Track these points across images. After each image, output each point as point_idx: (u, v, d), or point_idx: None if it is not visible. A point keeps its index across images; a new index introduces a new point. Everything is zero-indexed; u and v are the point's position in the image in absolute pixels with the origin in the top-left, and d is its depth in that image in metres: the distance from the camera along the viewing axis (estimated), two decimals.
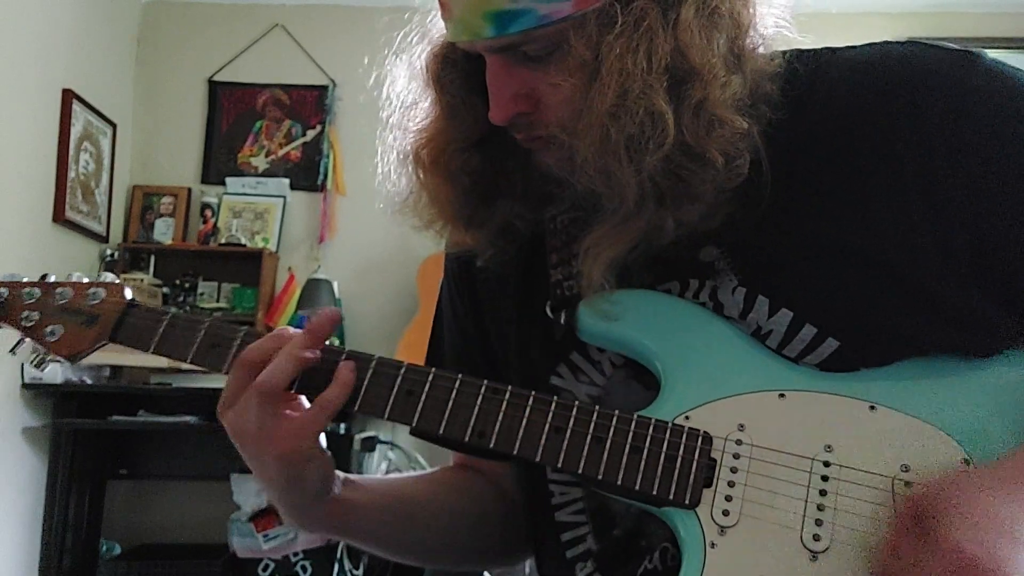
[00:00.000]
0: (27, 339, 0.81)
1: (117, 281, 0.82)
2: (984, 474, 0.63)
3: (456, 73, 0.78)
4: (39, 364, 0.81)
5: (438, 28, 0.80)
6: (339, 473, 0.79)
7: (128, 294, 0.81)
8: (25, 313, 0.80)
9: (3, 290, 0.81)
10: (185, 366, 2.84)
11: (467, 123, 0.78)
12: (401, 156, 0.82)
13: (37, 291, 0.81)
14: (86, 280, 0.83)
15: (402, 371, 0.74)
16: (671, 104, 0.66)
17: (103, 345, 0.80)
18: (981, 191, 0.68)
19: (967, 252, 0.69)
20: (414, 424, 0.73)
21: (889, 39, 0.76)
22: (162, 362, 3.04)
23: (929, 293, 0.69)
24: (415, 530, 0.86)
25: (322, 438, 0.76)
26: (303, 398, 0.76)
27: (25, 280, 0.83)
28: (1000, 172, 0.68)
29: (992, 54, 0.73)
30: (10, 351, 0.82)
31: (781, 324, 0.72)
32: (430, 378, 0.74)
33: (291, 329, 0.75)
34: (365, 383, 0.74)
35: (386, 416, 0.73)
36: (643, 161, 0.66)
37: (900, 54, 0.73)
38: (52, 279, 0.82)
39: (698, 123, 0.67)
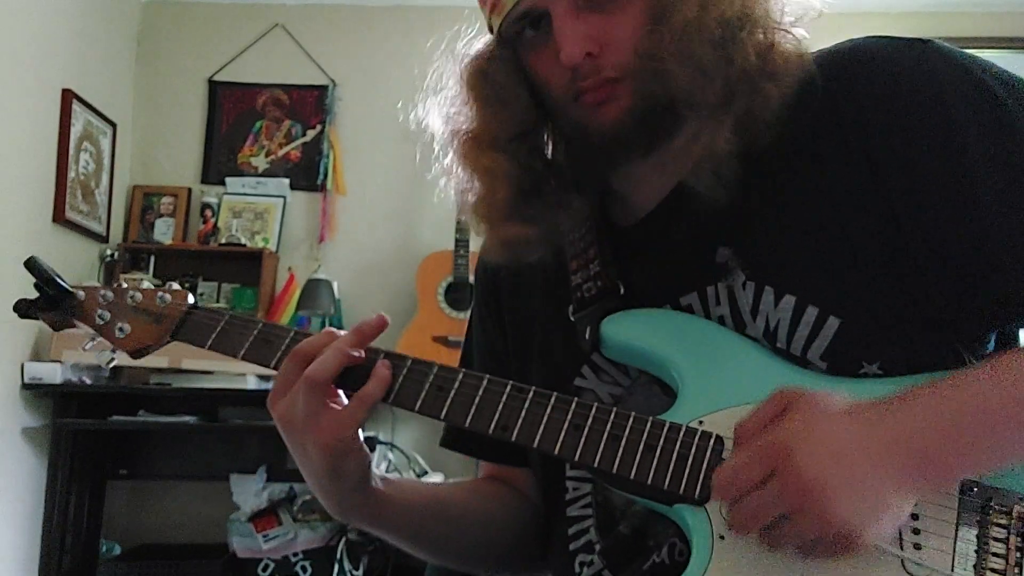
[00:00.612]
0: (99, 336, 0.89)
1: (181, 288, 0.92)
2: (860, 403, 0.67)
3: (503, 67, 0.82)
4: (108, 362, 0.90)
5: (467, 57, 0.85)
6: (377, 471, 0.84)
7: (191, 299, 0.90)
8: (99, 312, 0.89)
9: (81, 292, 0.90)
10: (185, 366, 2.86)
11: (515, 113, 0.82)
12: (459, 157, 0.86)
13: (110, 294, 0.90)
14: (154, 287, 0.92)
15: (434, 370, 0.80)
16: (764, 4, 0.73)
17: (167, 342, 0.88)
18: (914, 167, 0.71)
19: (910, 227, 0.71)
20: (442, 416, 0.77)
21: None
22: (162, 362, 3.04)
23: (913, 266, 0.72)
24: (445, 529, 0.91)
25: (360, 434, 0.80)
26: (342, 394, 0.81)
27: (100, 285, 0.93)
28: (930, 148, 0.71)
29: (992, 54, 0.74)
30: (83, 348, 0.91)
31: (786, 311, 0.75)
32: (460, 377, 0.79)
33: (338, 331, 0.81)
34: (400, 379, 0.80)
35: (417, 408, 0.78)
36: (753, 35, 0.72)
37: (849, 44, 0.77)
38: (124, 285, 0.91)
39: (781, 13, 0.74)
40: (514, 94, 0.82)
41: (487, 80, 0.83)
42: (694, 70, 0.72)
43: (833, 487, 0.62)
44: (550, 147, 0.87)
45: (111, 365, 0.91)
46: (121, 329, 0.88)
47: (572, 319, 0.85)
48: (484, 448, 0.94)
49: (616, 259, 0.84)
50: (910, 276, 0.72)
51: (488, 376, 0.78)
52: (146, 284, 0.92)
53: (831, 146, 0.74)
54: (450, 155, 0.86)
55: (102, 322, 0.89)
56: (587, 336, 0.82)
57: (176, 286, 0.92)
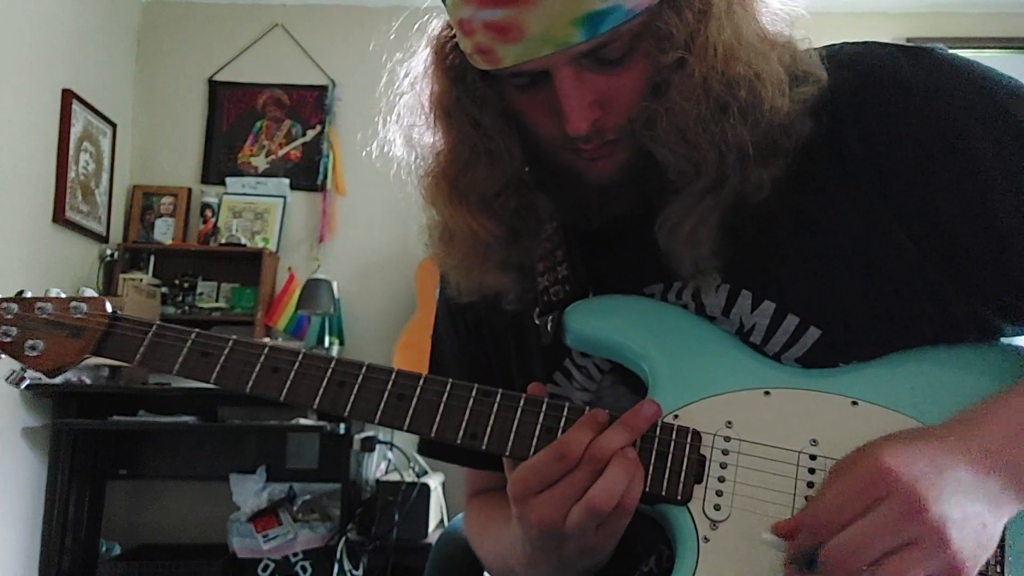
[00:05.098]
0: (4, 355, 0.79)
1: (97, 296, 0.81)
2: (919, 430, 0.66)
3: (493, 115, 0.77)
4: (17, 382, 0.79)
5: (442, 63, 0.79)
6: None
7: (109, 307, 0.80)
8: (3, 328, 0.79)
9: None
10: None
11: (509, 166, 0.78)
12: (439, 204, 0.81)
13: (15, 307, 0.80)
14: (64, 295, 0.82)
15: (393, 376, 0.75)
16: (773, 67, 0.69)
17: (86, 358, 0.79)
18: (925, 180, 0.70)
19: (926, 239, 0.71)
20: (405, 427, 0.73)
21: (887, 39, 0.78)
22: None
23: (902, 280, 0.72)
24: None
25: None
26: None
27: (2, 296, 0.81)
28: (940, 160, 0.70)
29: (992, 54, 0.74)
30: None
31: (764, 316, 0.74)
32: (421, 382, 0.74)
33: (602, 413, 0.71)
34: (356, 388, 0.74)
35: (377, 420, 0.74)
36: (757, 124, 0.68)
37: (849, 54, 0.75)
38: (29, 295, 0.81)
39: (790, 83, 0.70)
40: (506, 145, 0.77)
41: (477, 128, 0.77)
42: (685, 158, 0.70)
43: (949, 513, 0.57)
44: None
45: (22, 386, 0.80)
46: (32, 346, 0.78)
47: (536, 322, 0.81)
48: (463, 453, 0.87)
49: (584, 260, 0.82)
50: (909, 288, 0.72)
51: (451, 380, 0.74)
52: (54, 292, 0.82)
53: (830, 160, 0.73)
54: (427, 192, 0.81)
55: (8, 339, 0.78)
56: (549, 328, 0.79)
57: (91, 292, 0.81)
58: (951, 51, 0.74)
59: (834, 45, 0.77)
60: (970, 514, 0.59)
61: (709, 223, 0.71)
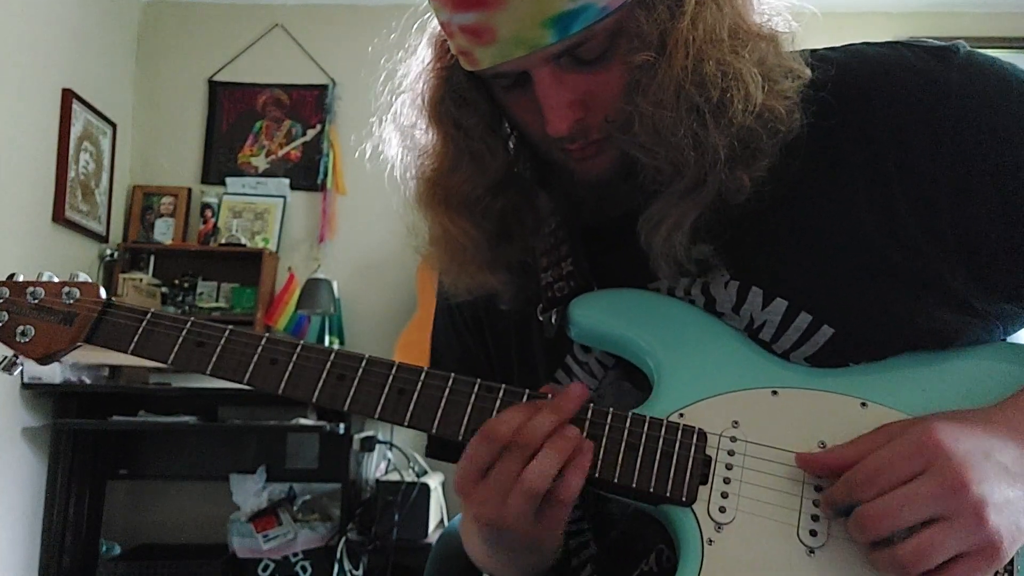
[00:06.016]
0: None
1: (91, 281, 0.79)
2: (972, 412, 0.67)
3: (476, 116, 0.77)
4: (8, 368, 0.77)
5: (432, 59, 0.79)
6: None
7: (103, 293, 0.78)
8: None
9: None
10: None
11: (491, 167, 0.77)
12: (423, 206, 0.81)
13: (7, 291, 0.78)
14: (57, 280, 0.79)
15: (394, 370, 0.73)
16: (746, 64, 0.67)
17: (78, 346, 0.77)
18: (960, 180, 0.70)
19: (952, 238, 0.70)
20: (405, 423, 0.72)
21: (888, 39, 0.77)
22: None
23: (917, 278, 0.71)
24: None
25: None
26: None
27: None
28: (977, 160, 0.69)
29: (992, 54, 0.73)
30: None
31: (775, 314, 0.73)
32: (422, 377, 0.73)
33: (543, 401, 0.70)
34: (356, 382, 0.73)
35: (377, 415, 0.72)
36: (731, 123, 0.67)
37: (877, 55, 0.74)
38: (21, 278, 0.79)
39: (768, 79, 0.68)
40: (488, 147, 0.77)
41: (462, 132, 0.77)
42: (664, 159, 0.69)
43: (989, 495, 0.58)
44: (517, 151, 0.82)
45: (13, 372, 0.78)
46: (23, 332, 0.76)
47: (540, 318, 0.81)
48: None
49: (588, 256, 0.81)
50: (925, 288, 0.71)
51: (453, 375, 0.72)
52: (46, 276, 0.79)
53: (853, 159, 0.72)
54: (413, 193, 0.81)
55: None
56: (553, 321, 0.78)
57: (85, 277, 0.79)
58: (972, 49, 0.73)
59: (856, 44, 0.76)
60: (1011, 499, 0.60)
61: (684, 225, 0.71)
